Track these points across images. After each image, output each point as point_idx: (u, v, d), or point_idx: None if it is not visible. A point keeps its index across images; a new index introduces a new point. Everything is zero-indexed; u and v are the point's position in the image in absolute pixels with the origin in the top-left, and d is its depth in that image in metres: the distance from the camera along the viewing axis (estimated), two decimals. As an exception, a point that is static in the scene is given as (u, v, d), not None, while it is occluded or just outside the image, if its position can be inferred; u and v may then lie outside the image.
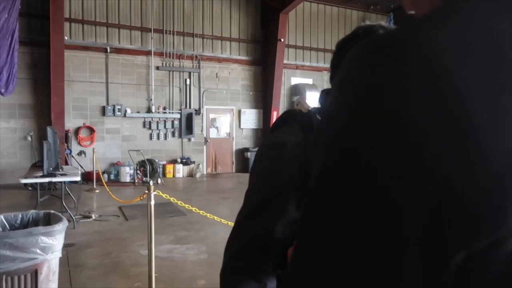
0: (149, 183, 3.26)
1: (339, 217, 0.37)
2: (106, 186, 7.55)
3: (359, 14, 14.89)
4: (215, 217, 4.50)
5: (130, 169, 10.66)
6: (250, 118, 13.16)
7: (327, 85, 14.33)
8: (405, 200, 0.33)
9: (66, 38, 10.13)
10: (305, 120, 0.96)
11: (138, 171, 10.42)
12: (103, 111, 10.94)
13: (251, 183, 0.97)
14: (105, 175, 10.34)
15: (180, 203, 3.99)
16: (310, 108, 0.99)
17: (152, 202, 3.22)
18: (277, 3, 12.06)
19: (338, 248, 0.37)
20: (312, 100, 13.41)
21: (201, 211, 4.13)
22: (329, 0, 13.99)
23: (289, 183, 0.88)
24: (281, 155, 0.90)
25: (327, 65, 14.44)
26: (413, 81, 0.34)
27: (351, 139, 0.37)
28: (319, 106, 1.00)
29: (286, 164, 0.89)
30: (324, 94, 0.99)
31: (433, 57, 0.34)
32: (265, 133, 13.07)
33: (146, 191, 3.25)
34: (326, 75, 14.44)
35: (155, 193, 3.25)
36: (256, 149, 12.74)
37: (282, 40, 12.33)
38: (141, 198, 3.73)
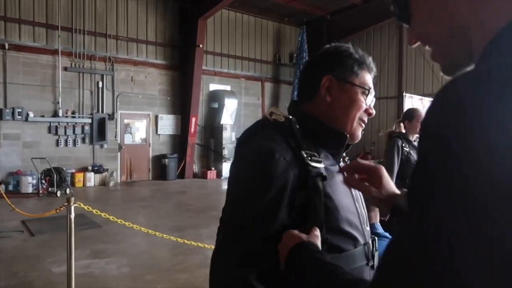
0: (56, 194, 3.00)
1: None
2: (6, 198, 6.73)
3: (275, 25, 15.50)
4: (135, 226, 4.29)
5: (33, 178, 9.65)
6: (167, 124, 12.83)
7: (244, 91, 14.68)
8: None
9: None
10: (284, 127, 0.99)
11: (43, 181, 9.48)
12: (0, 115, 9.76)
13: (239, 193, 0.95)
14: (3, 186, 9.21)
15: (104, 215, 3.73)
16: (286, 116, 1.02)
17: (72, 215, 2.97)
18: (196, 9, 12.00)
19: None
20: (231, 106, 13.57)
21: (119, 220, 3.90)
22: (246, 9, 14.32)
23: (283, 191, 0.90)
24: (272, 163, 0.91)
25: (245, 72, 14.75)
26: None
27: None
28: None
29: (279, 172, 0.90)
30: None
31: None
32: (183, 139, 12.84)
33: (66, 203, 2.98)
34: (243, 82, 14.73)
35: (76, 205, 3.00)
36: (174, 155, 12.45)
37: (201, 46, 12.29)
38: (57, 211, 3.41)
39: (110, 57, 11.45)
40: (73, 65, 10.83)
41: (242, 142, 1.03)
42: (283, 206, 0.90)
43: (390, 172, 3.21)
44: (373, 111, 1.09)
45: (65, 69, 10.71)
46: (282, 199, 0.90)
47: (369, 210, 1.83)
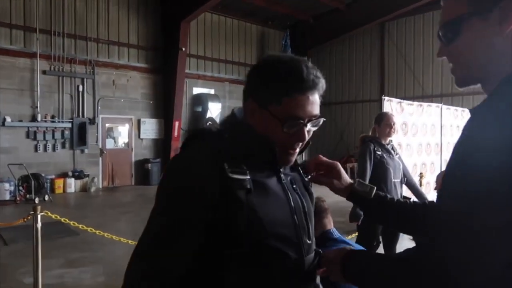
0: (34, 200, 2.90)
1: None
2: (-21, 207, 6.51)
3: (258, 28, 15.50)
4: (113, 236, 4.19)
5: (10, 185, 9.38)
6: (150, 128, 12.67)
7: (228, 95, 14.61)
8: None
9: None
10: (216, 137, 0.98)
11: (21, 187, 9.23)
12: (-24, 119, 9.49)
13: (157, 202, 0.94)
14: (-22, 193, 8.94)
15: (73, 223, 3.62)
16: (217, 128, 1.01)
17: (39, 225, 2.86)
18: (178, 12, 11.90)
19: None
20: (215, 109, 13.48)
21: (97, 231, 3.79)
22: (230, 13, 14.29)
23: (196, 207, 0.88)
24: (187, 178, 0.90)
25: (229, 76, 14.70)
26: None
27: None
28: None
29: (193, 188, 0.89)
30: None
31: None
32: (166, 143, 12.70)
33: (32, 212, 2.88)
34: (227, 86, 14.67)
35: (42, 213, 2.90)
36: (157, 160, 12.31)
37: (184, 49, 12.18)
38: (25, 220, 3.29)
39: (90, 60, 11.26)
40: (52, 69, 10.61)
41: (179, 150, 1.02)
42: (195, 222, 0.89)
43: (363, 175, 3.19)
44: (302, 137, 0.97)
45: (44, 72, 10.48)
46: (194, 215, 0.89)
47: (320, 218, 1.81)
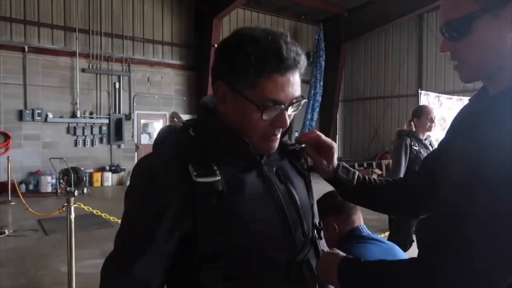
0: (74, 193, 3.02)
1: None
2: (22, 198, 6.87)
3: (291, 23, 15.35)
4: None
5: (52, 178, 9.84)
6: (184, 124, 12.87)
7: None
8: None
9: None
10: (181, 135, 0.89)
11: (61, 180, 9.66)
12: (20, 116, 10.00)
13: (125, 207, 0.86)
14: (23, 186, 9.45)
15: (105, 215, 3.72)
16: (182, 122, 0.92)
17: (72, 216, 2.96)
18: (211, 8, 11.99)
19: None
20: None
21: (119, 220, 3.88)
22: (262, 8, 14.24)
23: (158, 216, 0.79)
24: (148, 184, 0.81)
25: (261, 72, 14.64)
26: None
27: None
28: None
29: (154, 195, 0.79)
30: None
31: None
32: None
33: (66, 204, 2.98)
34: (260, 82, 14.64)
35: (75, 205, 2.99)
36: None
37: (216, 45, 12.25)
38: (60, 211, 3.42)
39: (126, 58, 11.57)
40: (90, 67, 11.00)
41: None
42: (159, 233, 0.79)
43: (398, 171, 3.07)
44: (284, 124, 0.85)
45: (83, 70, 10.88)
46: (158, 225, 0.78)
47: (349, 214, 1.68)
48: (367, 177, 1.14)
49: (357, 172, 1.12)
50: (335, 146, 1.10)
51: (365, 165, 14.53)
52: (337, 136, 16.47)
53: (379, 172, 13.86)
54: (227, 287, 0.80)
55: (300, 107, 0.88)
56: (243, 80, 0.81)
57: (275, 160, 0.94)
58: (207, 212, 0.78)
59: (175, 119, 0.92)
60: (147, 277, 0.79)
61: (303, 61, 0.84)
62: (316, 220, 1.03)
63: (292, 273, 0.86)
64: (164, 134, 0.93)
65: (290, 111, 0.85)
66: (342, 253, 0.94)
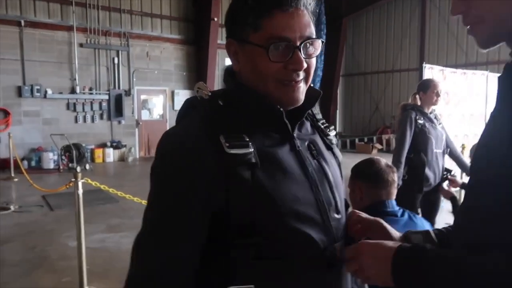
0: (75, 169, 3.01)
1: None
2: (26, 174, 6.90)
3: (292, -4, 15.01)
4: (143, 201, 4.31)
5: (54, 154, 9.86)
6: (184, 99, 12.62)
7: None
8: None
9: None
10: (208, 106, 0.83)
11: (63, 157, 9.68)
12: (19, 92, 9.90)
13: (152, 189, 0.81)
14: (25, 162, 9.47)
15: (112, 190, 3.75)
16: (211, 91, 0.86)
17: (80, 191, 2.98)
18: (210, -20, 11.69)
19: None
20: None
21: (135, 198, 3.92)
22: (262, -21, 13.90)
23: (189, 190, 0.75)
24: (176, 158, 0.77)
25: (261, 46, 14.43)
26: None
27: None
28: None
29: (184, 168, 0.76)
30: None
31: None
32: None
33: (73, 179, 2.99)
34: (260, 56, 14.45)
35: (83, 181, 3.01)
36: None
37: (216, 19, 12.03)
38: (67, 186, 3.44)
39: (125, 32, 11.37)
40: (88, 41, 10.82)
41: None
42: (191, 209, 0.75)
43: (402, 145, 3.07)
44: (299, 64, 0.78)
45: (81, 45, 10.71)
46: (189, 201, 0.75)
47: (379, 187, 1.60)
48: (444, 229, 0.95)
49: (429, 231, 0.94)
50: (380, 220, 0.95)
51: (365, 140, 14.56)
52: (338, 111, 16.42)
53: (379, 146, 13.91)
54: (259, 266, 0.76)
55: (318, 50, 0.80)
56: (245, 26, 0.78)
57: (307, 134, 0.90)
58: (239, 186, 0.75)
59: (201, 89, 0.86)
60: (183, 253, 0.77)
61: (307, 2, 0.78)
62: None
63: (326, 255, 0.81)
64: (190, 105, 0.88)
65: (304, 52, 0.78)
66: (391, 243, 0.78)
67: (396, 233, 0.95)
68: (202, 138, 0.77)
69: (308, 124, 0.92)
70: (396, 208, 1.64)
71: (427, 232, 0.93)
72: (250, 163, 0.76)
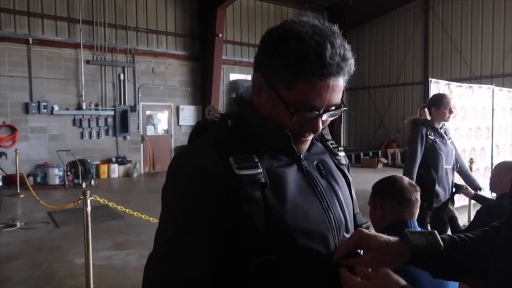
0: (81, 185, 3.02)
1: None
2: (32, 190, 6.91)
3: (295, 12, 15.20)
4: (151, 219, 4.28)
5: (60, 170, 9.88)
6: (188, 115, 12.86)
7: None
8: None
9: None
10: (218, 128, 0.84)
11: (69, 173, 9.70)
12: (27, 108, 10.00)
13: (164, 206, 0.83)
14: (31, 178, 9.50)
15: (121, 208, 3.73)
16: (220, 114, 0.87)
17: (89, 209, 2.97)
18: (214, -2, 11.88)
19: None
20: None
21: (143, 215, 3.90)
22: (266, -4, 14.09)
23: (202, 211, 0.77)
24: (189, 178, 0.79)
25: (265, 61, 14.55)
26: None
27: None
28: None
29: (196, 189, 0.77)
30: None
31: None
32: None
33: (82, 196, 2.98)
34: (264, 71, 14.55)
35: (91, 198, 3.00)
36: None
37: (220, 35, 12.19)
38: (75, 203, 3.43)
39: (130, 49, 11.52)
40: (94, 58, 10.96)
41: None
42: (202, 229, 0.76)
43: (413, 161, 3.04)
44: (316, 130, 0.80)
45: (87, 62, 10.84)
46: (199, 220, 0.76)
47: (402, 207, 1.53)
48: (457, 237, 0.89)
49: (435, 232, 0.87)
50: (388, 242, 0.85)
51: (370, 154, 14.50)
52: (342, 125, 16.42)
53: (385, 161, 13.84)
54: (273, 283, 0.76)
55: (337, 116, 0.81)
56: (279, 78, 0.76)
57: (316, 153, 0.91)
58: (250, 206, 0.75)
59: (211, 111, 0.87)
60: (197, 275, 0.77)
61: (349, 67, 0.77)
62: (357, 213, 0.96)
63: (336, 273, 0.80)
64: (200, 127, 0.89)
65: (325, 117, 0.80)
66: (399, 279, 0.74)
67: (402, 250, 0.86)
68: (213, 159, 0.78)
69: (318, 144, 0.94)
70: (418, 229, 1.57)
71: (432, 233, 0.86)
72: (260, 183, 0.77)
